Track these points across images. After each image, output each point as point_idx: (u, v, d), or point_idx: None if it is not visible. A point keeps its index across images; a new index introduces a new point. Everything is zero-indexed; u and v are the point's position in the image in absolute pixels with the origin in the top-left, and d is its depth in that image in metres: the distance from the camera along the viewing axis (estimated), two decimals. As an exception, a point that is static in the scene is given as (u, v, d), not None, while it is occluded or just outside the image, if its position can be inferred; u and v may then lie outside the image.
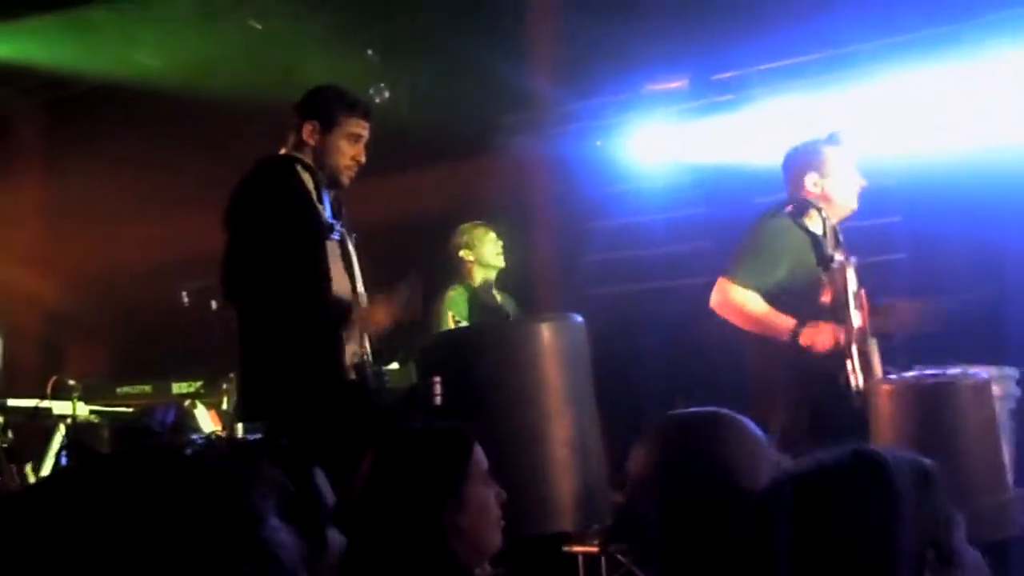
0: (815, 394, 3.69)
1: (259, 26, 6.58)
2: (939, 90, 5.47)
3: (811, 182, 3.95)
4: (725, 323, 5.83)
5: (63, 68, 6.84)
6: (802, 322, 3.75)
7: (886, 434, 3.43)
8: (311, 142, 3.44)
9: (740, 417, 1.79)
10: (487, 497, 2.17)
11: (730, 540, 1.50)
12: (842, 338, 3.62)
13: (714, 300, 3.94)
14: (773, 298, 3.85)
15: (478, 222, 5.12)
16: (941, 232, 4.91)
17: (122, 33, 6.55)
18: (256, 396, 3.33)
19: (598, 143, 6.45)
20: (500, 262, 5.09)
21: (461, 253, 5.05)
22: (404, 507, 2.09)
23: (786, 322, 3.78)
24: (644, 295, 6.33)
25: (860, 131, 5.05)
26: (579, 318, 3.35)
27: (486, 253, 5.03)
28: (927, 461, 1.13)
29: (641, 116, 6.25)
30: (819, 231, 3.83)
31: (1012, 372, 3.69)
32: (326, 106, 3.46)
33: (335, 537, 0.94)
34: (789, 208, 3.92)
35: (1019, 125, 5.32)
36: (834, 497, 1.08)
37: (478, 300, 4.99)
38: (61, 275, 7.31)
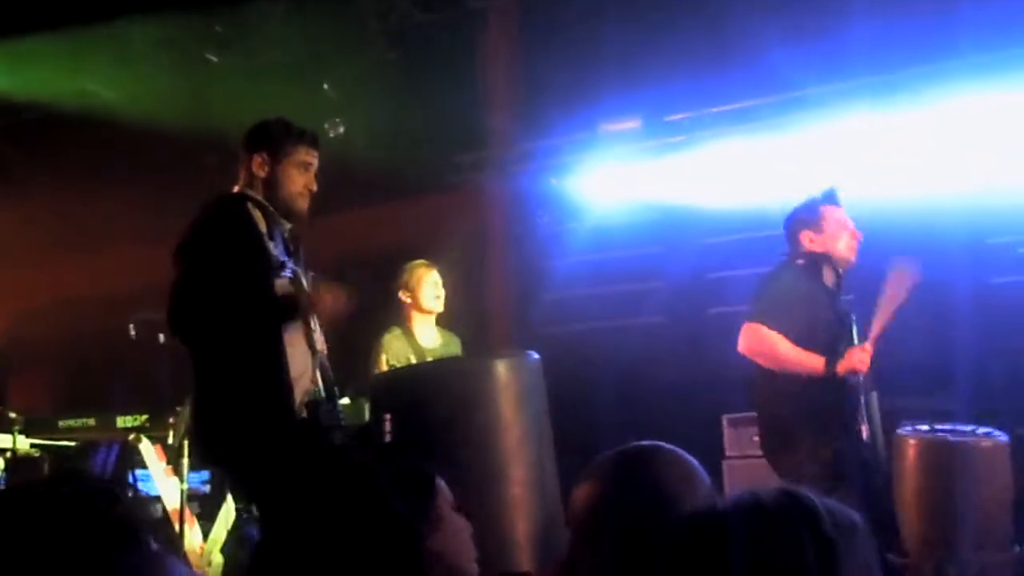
0: (829, 436, 3.73)
1: (215, 59, 6.56)
2: (887, 134, 5.59)
3: (807, 239, 4.03)
4: (683, 363, 5.92)
5: (13, 95, 6.75)
6: (829, 359, 3.79)
7: (909, 484, 3.68)
8: (261, 174, 3.40)
9: (676, 449, 1.81)
10: (460, 522, 2.13)
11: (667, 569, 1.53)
12: (867, 355, 3.72)
13: (743, 344, 3.91)
14: (795, 342, 3.86)
15: (421, 261, 5.02)
16: (886, 272, 5.00)
17: (75, 62, 6.49)
18: (207, 440, 3.29)
19: (553, 181, 6.49)
20: (437, 306, 4.93)
21: (400, 294, 4.97)
22: (374, 535, 2.04)
23: (815, 360, 3.80)
24: (598, 333, 6.36)
25: (807, 173, 5.17)
26: (535, 355, 3.34)
27: (424, 297, 4.92)
28: (856, 516, 1.11)
29: (596, 155, 6.31)
30: (831, 284, 3.96)
31: (1004, 442, 3.78)
32: (273, 137, 3.43)
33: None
34: (801, 262, 4.00)
35: (962, 169, 5.45)
36: (770, 533, 1.07)
37: (416, 345, 4.90)
38: (4, 306, 7.17)
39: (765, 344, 3.84)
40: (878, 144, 5.58)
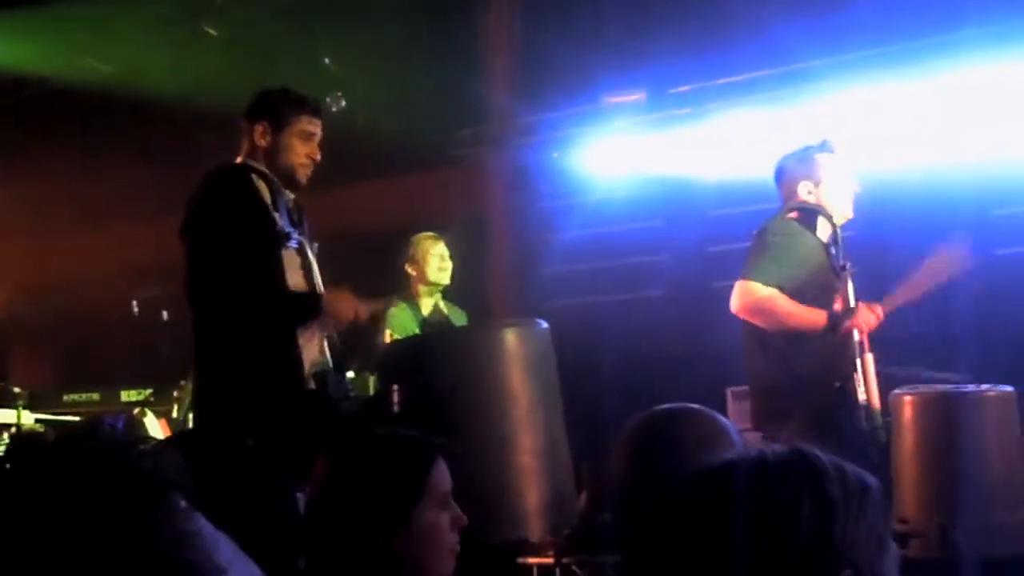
0: (825, 406, 3.61)
1: (215, 33, 6.51)
2: (891, 105, 5.56)
3: (805, 190, 3.88)
4: (687, 337, 5.90)
5: (10, 71, 6.71)
6: (830, 314, 3.63)
7: (908, 445, 3.44)
8: (263, 143, 3.38)
9: (706, 410, 1.81)
10: (440, 522, 2.06)
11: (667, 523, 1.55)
12: (878, 315, 3.55)
13: (736, 304, 3.76)
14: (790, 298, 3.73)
15: (428, 233, 5.02)
16: (890, 243, 4.98)
17: (73, 37, 6.44)
18: (213, 410, 3.28)
19: (555, 155, 6.46)
20: (443, 279, 4.93)
21: (407, 267, 4.96)
22: (354, 531, 2.01)
23: (817, 315, 3.65)
24: (602, 307, 6.35)
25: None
26: (544, 324, 3.33)
27: (429, 269, 4.91)
28: (871, 478, 1.09)
29: (598, 128, 6.28)
30: (827, 238, 3.80)
31: (1011, 392, 3.67)
32: (274, 106, 3.41)
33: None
34: (794, 214, 3.86)
35: (967, 140, 5.43)
36: (768, 488, 1.04)
37: (421, 316, 4.89)
38: (7, 281, 7.16)
39: (761, 302, 3.69)
40: (882, 115, 5.56)
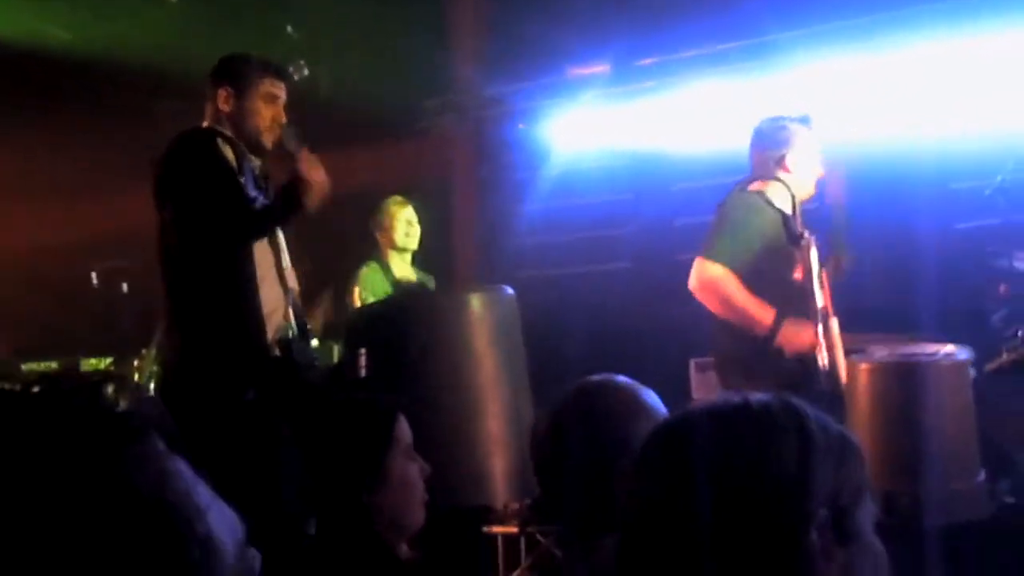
0: (786, 372, 3.65)
1: (175, 0, 6.41)
2: (854, 78, 5.60)
3: (771, 161, 3.91)
4: (651, 309, 5.92)
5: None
6: (779, 314, 3.70)
7: (862, 411, 3.45)
8: (227, 108, 3.37)
9: (628, 382, 1.83)
10: (410, 472, 2.11)
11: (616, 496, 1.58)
12: (817, 336, 3.56)
13: (693, 281, 3.82)
14: (746, 275, 3.77)
15: (396, 197, 5.04)
16: (855, 215, 5.02)
17: (31, 4, 6.32)
18: (181, 376, 3.27)
19: (521, 127, 6.44)
20: (411, 244, 4.97)
21: (375, 232, 5.00)
22: (323, 486, 2.03)
23: (764, 315, 3.72)
24: (568, 279, 6.36)
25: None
26: (509, 290, 3.32)
27: (397, 234, 4.94)
28: (853, 436, 1.10)
29: (564, 100, 6.26)
30: (787, 208, 3.82)
31: (968, 354, 3.72)
32: (237, 69, 3.40)
33: (254, 555, 0.91)
34: (756, 184, 3.90)
35: (929, 114, 5.48)
36: (750, 427, 1.05)
37: (393, 277, 4.91)
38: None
39: (715, 286, 3.75)
40: (845, 89, 5.59)
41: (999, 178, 4.77)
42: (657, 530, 1.05)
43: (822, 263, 3.82)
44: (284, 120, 3.40)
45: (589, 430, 1.73)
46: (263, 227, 3.23)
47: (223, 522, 0.87)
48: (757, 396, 1.09)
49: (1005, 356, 4.28)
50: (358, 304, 4.53)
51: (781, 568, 1.00)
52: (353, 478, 2.02)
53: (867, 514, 1.07)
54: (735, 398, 1.09)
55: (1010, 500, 4.17)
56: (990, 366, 4.20)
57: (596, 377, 1.86)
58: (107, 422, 0.84)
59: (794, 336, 3.70)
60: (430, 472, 2.14)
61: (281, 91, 3.43)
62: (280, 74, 3.45)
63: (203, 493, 0.85)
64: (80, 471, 0.81)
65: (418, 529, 2.14)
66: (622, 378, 1.84)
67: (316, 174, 3.22)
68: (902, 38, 5.45)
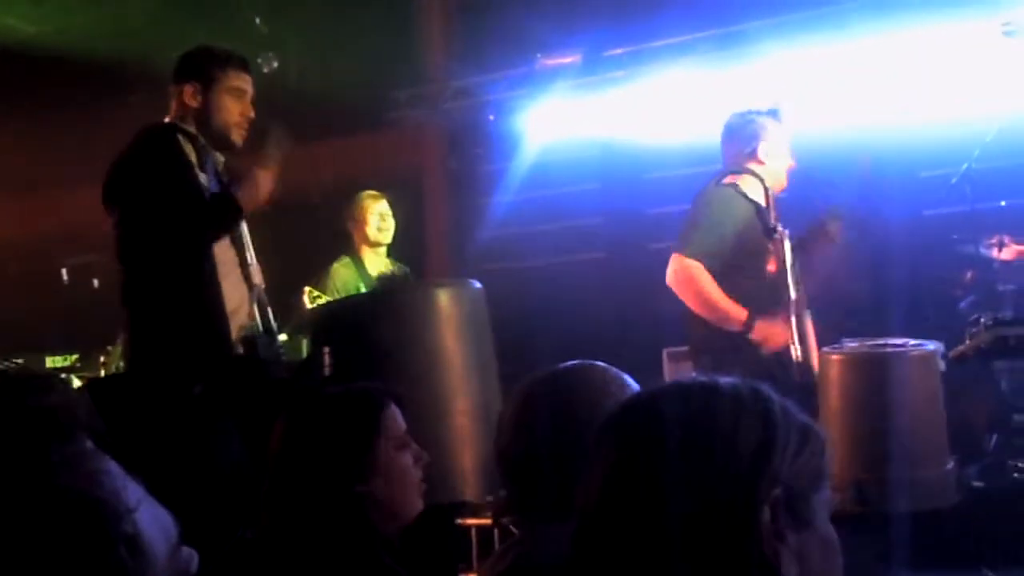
0: (760, 363, 3.66)
1: (141, -8, 6.35)
2: (824, 68, 5.62)
3: (745, 153, 3.92)
4: (624, 299, 5.93)
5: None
6: (752, 312, 3.73)
7: (834, 402, 3.51)
8: (193, 104, 3.29)
9: (600, 366, 1.79)
10: (400, 461, 2.09)
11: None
12: (791, 332, 3.59)
13: (669, 276, 3.84)
14: (720, 268, 3.79)
15: (370, 192, 4.99)
16: (825, 203, 5.04)
17: (-6, -4, 6.24)
18: (138, 375, 3.24)
19: (491, 118, 6.42)
20: (384, 238, 4.90)
21: (347, 225, 4.94)
22: (315, 479, 2.02)
23: (738, 313, 3.74)
24: (539, 270, 6.35)
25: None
26: (477, 284, 3.31)
27: (369, 228, 4.89)
28: (818, 428, 1.10)
29: (534, 91, 6.25)
30: (761, 201, 3.84)
31: (939, 347, 3.76)
32: (201, 64, 3.31)
33: (190, 554, 0.90)
34: (730, 178, 3.91)
35: (898, 103, 5.51)
36: (715, 405, 1.05)
37: (366, 273, 4.87)
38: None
39: (691, 281, 3.78)
40: (815, 78, 5.61)
41: (965, 166, 4.81)
42: (612, 501, 1.06)
43: (812, 235, 3.85)
44: (252, 115, 3.34)
45: (557, 410, 1.70)
46: (216, 223, 3.19)
47: (154, 522, 0.86)
48: (727, 378, 1.10)
49: (969, 342, 4.32)
50: (309, 305, 4.46)
51: (732, 545, 1.00)
52: (342, 469, 2.01)
53: (823, 502, 1.07)
54: (705, 378, 1.10)
55: (978, 484, 4.22)
56: (955, 352, 4.24)
57: (570, 362, 1.83)
58: (34, 420, 0.83)
59: (768, 333, 3.73)
60: (428, 459, 2.13)
61: (247, 84, 3.36)
62: (244, 66, 3.37)
63: (133, 492, 0.84)
64: (4, 469, 0.79)
65: (414, 516, 2.13)
66: (597, 362, 1.81)
67: (267, 184, 3.21)
68: (870, 27, 5.47)
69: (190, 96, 3.29)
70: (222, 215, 3.20)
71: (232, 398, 3.08)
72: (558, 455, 1.66)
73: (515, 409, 1.77)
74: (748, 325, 3.73)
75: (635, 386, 1.75)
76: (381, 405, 2.10)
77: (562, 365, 1.80)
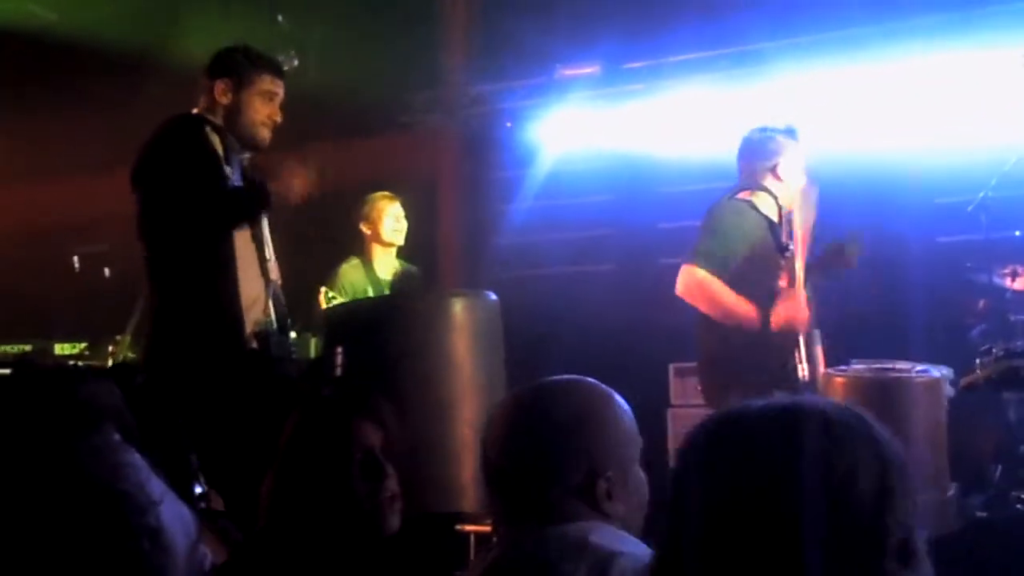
0: (768, 381, 3.65)
1: (164, -15, 6.37)
2: (841, 90, 5.61)
3: (761, 170, 3.92)
4: (633, 312, 5.92)
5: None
6: (763, 309, 3.71)
7: None
8: (224, 101, 3.36)
9: (586, 381, 1.76)
10: (360, 488, 2.08)
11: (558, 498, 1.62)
12: (807, 308, 3.58)
13: (679, 287, 3.85)
14: (732, 281, 3.79)
15: (384, 193, 4.99)
16: (833, 227, 5.03)
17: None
18: (159, 364, 3.26)
19: (508, 125, 6.43)
20: (398, 239, 4.91)
21: (361, 226, 4.94)
22: (321, 477, 2.02)
23: (750, 311, 3.73)
24: (549, 280, 6.35)
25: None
26: (493, 296, 3.31)
27: (384, 229, 4.90)
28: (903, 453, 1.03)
29: (552, 101, 6.26)
30: (774, 217, 3.83)
31: (948, 372, 3.75)
32: (237, 64, 3.39)
33: (204, 554, 0.91)
34: (744, 193, 3.91)
35: (914, 128, 5.51)
36: (828, 443, 0.97)
37: (374, 275, 4.87)
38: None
39: (702, 288, 3.77)
40: (832, 100, 5.61)
41: (981, 194, 4.80)
42: (716, 532, 0.97)
43: (827, 256, 3.84)
44: (279, 118, 3.39)
45: (540, 424, 1.68)
46: (235, 212, 3.21)
47: (176, 518, 0.86)
48: (833, 406, 1.02)
49: (979, 372, 4.31)
50: (324, 305, 4.47)
51: None
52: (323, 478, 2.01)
53: (922, 537, 1.01)
54: (807, 402, 1.02)
55: (982, 515, 4.20)
56: (964, 381, 4.23)
57: (557, 377, 1.79)
58: (64, 411, 0.83)
59: (788, 313, 3.67)
60: (395, 476, 2.10)
61: (280, 89, 3.43)
62: (280, 72, 3.45)
63: (156, 486, 0.84)
64: (33, 458, 0.80)
65: (391, 533, 2.12)
66: (585, 378, 1.78)
67: (293, 182, 3.22)
68: (890, 52, 5.48)
69: (221, 92, 3.36)
70: (246, 202, 3.23)
71: (239, 391, 3.10)
72: (542, 468, 1.66)
73: (500, 421, 1.77)
74: (764, 317, 3.70)
75: (623, 403, 1.74)
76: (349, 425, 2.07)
77: (549, 379, 1.78)
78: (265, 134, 3.39)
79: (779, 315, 3.71)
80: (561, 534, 1.60)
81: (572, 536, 1.59)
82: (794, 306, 3.68)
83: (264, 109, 3.37)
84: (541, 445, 1.68)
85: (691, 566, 0.98)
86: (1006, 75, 5.29)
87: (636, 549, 1.58)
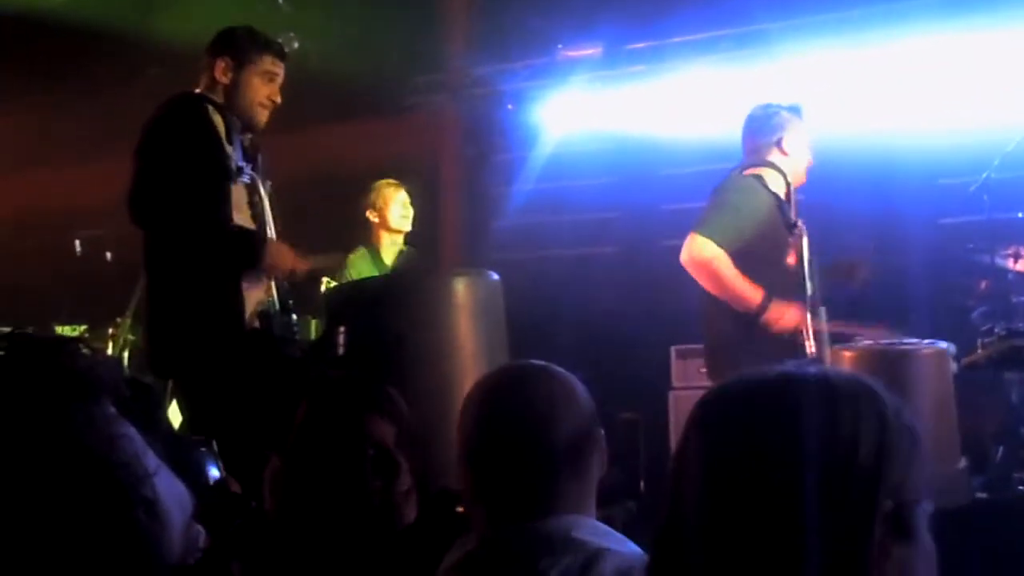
0: (773, 357, 3.61)
1: (165, -33, 6.34)
2: (844, 71, 5.60)
3: (767, 147, 3.90)
4: (635, 294, 5.92)
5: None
6: (768, 294, 3.70)
7: None
8: (224, 80, 3.36)
9: (552, 368, 1.77)
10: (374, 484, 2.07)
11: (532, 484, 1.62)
12: (805, 319, 3.56)
13: (684, 256, 3.79)
14: (738, 257, 3.75)
15: (390, 180, 5.00)
16: (842, 207, 5.03)
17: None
18: (160, 353, 3.26)
19: (510, 107, 6.42)
20: (405, 226, 4.93)
21: (367, 213, 4.94)
22: (333, 475, 2.00)
23: (753, 294, 3.71)
24: (551, 262, 6.35)
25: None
26: (495, 275, 3.31)
27: (391, 216, 4.91)
28: (919, 427, 1.03)
29: (554, 82, 6.24)
30: (782, 194, 3.82)
31: (951, 348, 3.74)
32: (239, 43, 3.39)
33: (199, 531, 0.91)
34: (752, 170, 3.89)
35: (918, 109, 5.50)
36: (832, 408, 0.98)
37: (382, 263, 4.88)
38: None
39: (703, 260, 3.73)
40: (835, 80, 5.59)
41: (984, 175, 4.79)
42: (711, 507, 0.98)
43: (836, 270, 3.83)
44: (278, 99, 3.40)
45: (514, 419, 1.69)
46: (216, 245, 3.21)
47: (171, 492, 0.87)
48: (836, 372, 1.03)
49: (980, 351, 4.31)
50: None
51: (839, 557, 0.94)
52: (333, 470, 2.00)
53: (925, 511, 1.01)
54: (810, 369, 1.02)
55: (982, 496, 4.21)
56: (966, 360, 4.23)
57: (522, 362, 1.81)
58: (61, 380, 0.84)
59: (781, 315, 3.69)
60: (408, 469, 2.09)
61: (280, 70, 3.43)
62: (281, 54, 3.46)
63: (152, 460, 0.85)
64: (31, 426, 0.80)
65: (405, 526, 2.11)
66: (544, 363, 1.78)
67: (277, 259, 3.24)
68: (893, 32, 5.46)
69: (222, 71, 3.36)
70: (233, 244, 3.23)
71: (243, 371, 3.11)
72: (523, 454, 1.66)
73: (477, 408, 1.76)
74: (764, 305, 3.68)
75: (582, 390, 1.74)
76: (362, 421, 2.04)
77: (509, 364, 1.79)
78: (263, 115, 3.40)
79: (774, 311, 3.70)
80: (543, 529, 1.60)
81: (555, 531, 1.59)
82: (790, 309, 3.67)
83: (264, 89, 3.38)
84: (523, 431, 1.67)
85: (692, 538, 0.99)
86: (1009, 55, 5.28)
87: (621, 547, 1.58)
